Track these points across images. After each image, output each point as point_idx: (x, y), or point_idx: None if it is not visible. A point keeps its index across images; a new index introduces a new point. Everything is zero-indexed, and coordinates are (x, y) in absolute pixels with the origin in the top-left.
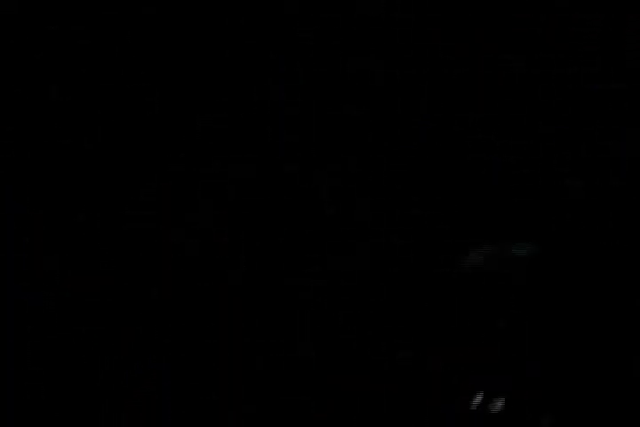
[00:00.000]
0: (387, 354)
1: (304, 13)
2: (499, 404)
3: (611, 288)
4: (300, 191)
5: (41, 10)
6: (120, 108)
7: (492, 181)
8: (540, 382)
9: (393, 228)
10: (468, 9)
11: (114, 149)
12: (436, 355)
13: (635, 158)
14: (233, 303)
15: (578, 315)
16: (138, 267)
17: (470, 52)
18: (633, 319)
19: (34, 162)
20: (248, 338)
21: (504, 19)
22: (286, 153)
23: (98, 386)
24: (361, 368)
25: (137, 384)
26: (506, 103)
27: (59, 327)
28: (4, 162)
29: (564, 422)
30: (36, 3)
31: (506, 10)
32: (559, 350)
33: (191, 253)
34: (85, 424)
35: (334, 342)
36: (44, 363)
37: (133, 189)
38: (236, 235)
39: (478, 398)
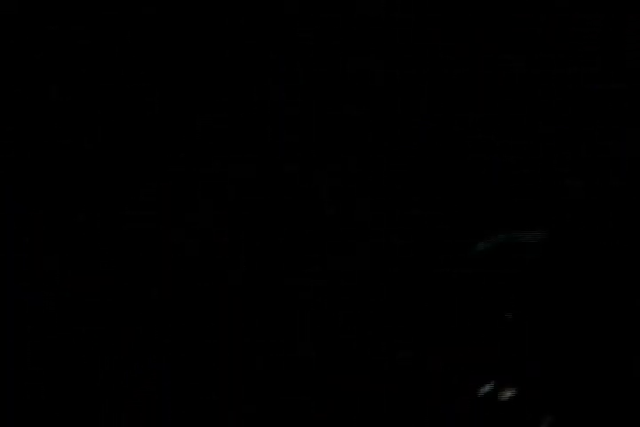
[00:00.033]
0: (387, 354)
1: (304, 13)
2: (508, 393)
3: (611, 289)
4: (300, 191)
5: (41, 10)
6: (120, 109)
7: (492, 181)
8: (539, 382)
9: (393, 228)
10: (467, 9)
11: (114, 149)
12: (435, 355)
13: (635, 158)
14: (233, 303)
15: (577, 315)
16: (138, 267)
17: (470, 52)
18: (633, 320)
19: (34, 162)
20: (248, 338)
21: (504, 19)
22: (286, 153)
23: (98, 386)
24: (361, 368)
25: (137, 384)
26: (506, 103)
27: (59, 327)
28: (4, 162)
29: (564, 422)
30: (35, 3)
31: (506, 10)
32: (559, 350)
33: (191, 253)
34: (85, 424)
35: (334, 342)
36: (44, 363)
37: (133, 189)
38: (236, 235)
39: (487, 387)
